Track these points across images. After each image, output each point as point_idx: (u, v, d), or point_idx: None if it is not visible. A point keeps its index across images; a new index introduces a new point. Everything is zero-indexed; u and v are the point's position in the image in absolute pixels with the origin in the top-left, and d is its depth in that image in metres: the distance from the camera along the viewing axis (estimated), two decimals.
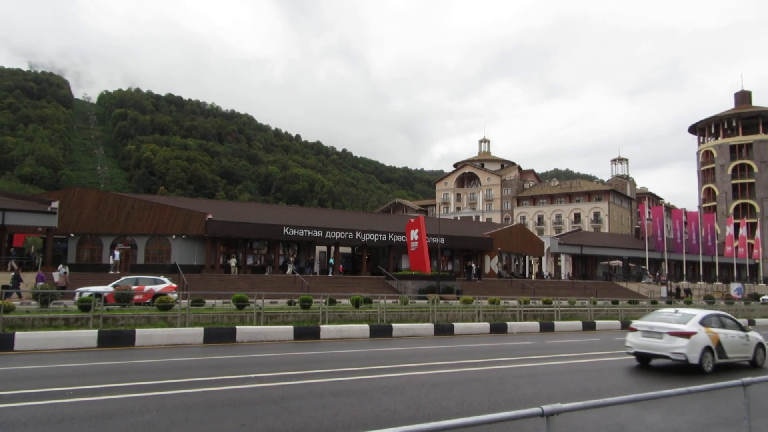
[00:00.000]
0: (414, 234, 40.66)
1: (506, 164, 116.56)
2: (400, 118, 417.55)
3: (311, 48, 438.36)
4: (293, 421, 7.33)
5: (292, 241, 42.86)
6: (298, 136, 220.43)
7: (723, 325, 13.50)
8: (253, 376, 10.64)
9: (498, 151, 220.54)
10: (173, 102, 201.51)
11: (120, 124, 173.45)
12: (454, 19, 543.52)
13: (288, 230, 40.16)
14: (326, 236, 41.93)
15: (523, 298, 29.43)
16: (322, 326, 18.79)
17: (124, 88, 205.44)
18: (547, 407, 2.81)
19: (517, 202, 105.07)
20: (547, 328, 24.26)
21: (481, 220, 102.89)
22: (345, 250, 48.97)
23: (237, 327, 17.37)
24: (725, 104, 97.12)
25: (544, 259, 67.18)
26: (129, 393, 8.83)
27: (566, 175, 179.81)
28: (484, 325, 22.78)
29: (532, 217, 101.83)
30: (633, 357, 13.82)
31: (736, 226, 72.02)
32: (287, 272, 39.92)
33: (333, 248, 45.93)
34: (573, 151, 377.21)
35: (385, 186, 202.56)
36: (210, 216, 38.15)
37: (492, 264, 52.37)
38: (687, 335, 12.48)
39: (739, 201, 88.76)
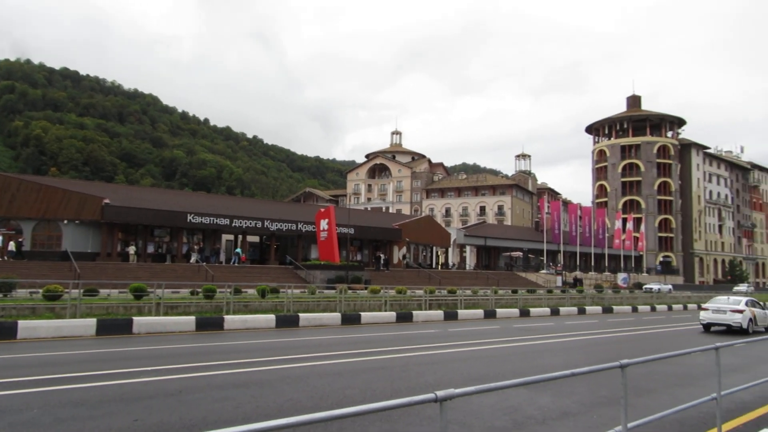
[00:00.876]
0: (324, 224, 40.48)
1: (417, 157, 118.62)
2: (314, 106, 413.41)
3: (223, 29, 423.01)
4: (190, 414, 7.08)
5: (197, 229, 41.34)
6: (206, 120, 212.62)
7: (755, 306, 21.99)
8: (149, 369, 10.16)
9: (409, 143, 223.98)
10: (69, 77, 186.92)
11: (6, 98, 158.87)
12: (370, 9, 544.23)
13: (193, 217, 38.66)
14: (233, 224, 40.80)
15: (429, 287, 30.14)
16: (226, 317, 18.29)
17: (12, 59, 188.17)
18: (440, 393, 2.86)
19: (426, 194, 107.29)
20: (450, 316, 25.00)
21: (391, 211, 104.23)
22: (253, 239, 47.91)
23: (134, 318, 16.52)
24: (619, 107, 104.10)
25: (450, 249, 69.17)
26: (8, 390, 8.15)
27: (473, 169, 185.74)
28: (391, 315, 23.12)
29: (440, 209, 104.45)
30: (699, 326, 22.43)
31: (624, 221, 77.61)
32: (191, 261, 38.50)
33: (240, 237, 44.81)
34: (481, 146, 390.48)
35: (296, 175, 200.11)
36: (107, 200, 35.95)
37: (400, 254, 53.23)
38: (741, 312, 20.99)
39: (628, 197, 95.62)
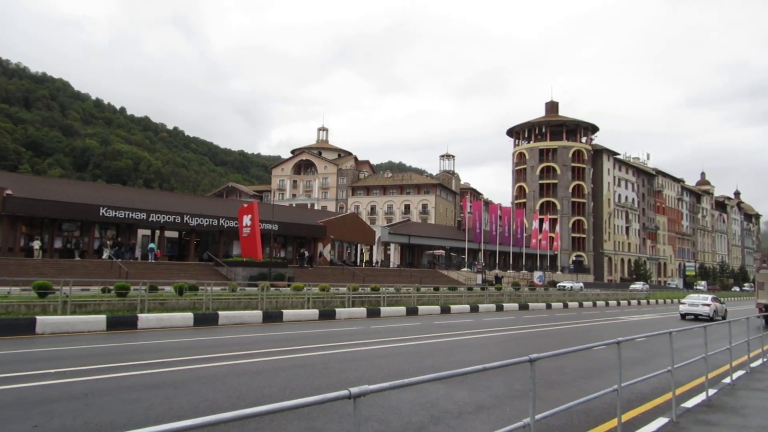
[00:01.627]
0: (247, 219, 39.63)
1: (343, 154, 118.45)
2: (238, 98, 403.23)
3: (141, 14, 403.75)
4: (97, 418, 6.73)
5: (111, 224, 39.34)
6: (123, 109, 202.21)
7: (717, 301, 30.81)
8: (52, 371, 9.57)
9: (336, 140, 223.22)
10: None
11: None
12: (298, 2, 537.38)
13: (106, 211, 36.75)
14: (151, 219, 39.15)
15: (353, 285, 30.22)
16: (140, 315, 17.52)
17: None
18: (354, 389, 2.86)
19: (351, 192, 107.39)
20: (373, 313, 25.15)
21: (316, 207, 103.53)
22: (172, 234, 46.14)
23: (37, 317, 15.51)
24: (538, 112, 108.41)
25: (375, 247, 69.61)
26: None
27: (399, 168, 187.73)
28: (314, 312, 22.97)
29: (366, 207, 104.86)
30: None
31: (541, 221, 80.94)
32: (103, 257, 36.60)
33: (158, 232, 43.08)
34: (407, 145, 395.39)
35: (218, 169, 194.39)
36: (9, 191, 33.53)
37: (325, 251, 52.99)
38: (708, 305, 29.36)
39: (545, 199, 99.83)
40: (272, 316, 21.09)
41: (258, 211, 40.15)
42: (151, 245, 41.18)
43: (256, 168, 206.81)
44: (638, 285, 73.14)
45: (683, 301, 31.86)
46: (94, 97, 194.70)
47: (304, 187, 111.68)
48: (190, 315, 18.63)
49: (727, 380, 10.59)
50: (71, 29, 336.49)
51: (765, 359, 13.79)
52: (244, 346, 13.72)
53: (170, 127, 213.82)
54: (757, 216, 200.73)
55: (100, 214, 36.63)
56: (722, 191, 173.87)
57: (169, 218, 39.96)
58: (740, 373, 11.59)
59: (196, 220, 41.46)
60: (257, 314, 20.75)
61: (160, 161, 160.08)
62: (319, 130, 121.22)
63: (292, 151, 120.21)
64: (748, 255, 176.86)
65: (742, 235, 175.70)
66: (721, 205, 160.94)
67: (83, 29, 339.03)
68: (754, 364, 12.76)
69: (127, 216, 37.99)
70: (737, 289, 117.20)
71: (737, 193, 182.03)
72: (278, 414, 6.95)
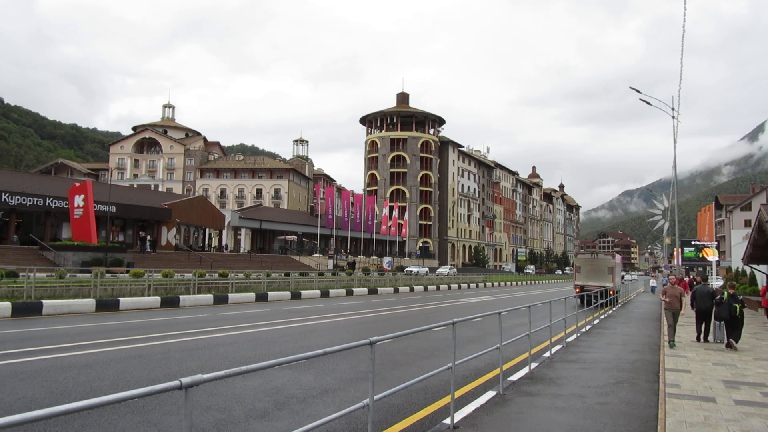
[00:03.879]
0: (79, 200, 36.12)
1: (191, 134, 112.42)
2: (70, 66, 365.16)
3: None
4: None
5: None
6: None
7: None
8: None
9: (184, 119, 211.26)
10: None
11: None
12: None
13: None
14: None
15: (200, 271, 28.98)
16: None
17: None
18: (186, 379, 2.73)
19: (200, 174, 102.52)
20: (221, 300, 24.38)
21: (160, 189, 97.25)
22: None
23: None
24: (390, 102, 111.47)
25: (224, 232, 67.23)
26: None
27: (252, 151, 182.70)
28: (155, 300, 21.69)
29: (215, 190, 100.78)
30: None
31: (391, 209, 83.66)
32: None
33: None
34: (260, 128, 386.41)
35: (46, 143, 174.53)
36: None
37: (170, 236, 50.09)
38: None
39: (395, 187, 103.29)
40: (107, 305, 19.57)
41: (92, 190, 36.76)
42: None
43: (91, 144, 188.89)
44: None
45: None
46: None
47: (147, 167, 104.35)
48: (7, 304, 16.65)
49: (547, 354, 11.82)
50: None
51: (579, 334, 15.60)
52: (72, 338, 12.56)
53: None
54: (578, 207, 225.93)
55: None
56: (549, 184, 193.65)
57: None
58: (558, 347, 12.99)
59: (17, 199, 36.91)
60: (89, 303, 19.12)
61: None
62: (165, 107, 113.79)
63: (134, 128, 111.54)
64: (569, 242, 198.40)
65: (564, 224, 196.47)
66: (548, 196, 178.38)
67: None
68: (569, 339, 14.38)
69: None
70: (560, 272, 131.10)
71: (561, 186, 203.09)
72: (108, 408, 6.47)
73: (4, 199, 36.17)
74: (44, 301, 17.84)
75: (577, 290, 28.70)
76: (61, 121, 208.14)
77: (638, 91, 32.06)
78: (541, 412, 7.19)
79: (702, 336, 14.51)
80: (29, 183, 43.36)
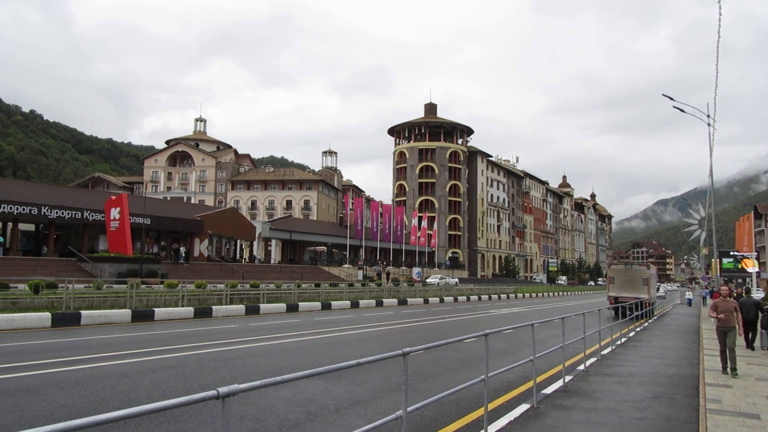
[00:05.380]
0: (115, 212, 37.02)
1: (222, 146, 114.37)
2: (106, 82, 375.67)
3: None
4: None
5: None
6: None
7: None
8: None
9: (215, 131, 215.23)
10: None
11: None
12: None
13: None
14: (1, 210, 35.26)
15: (231, 282, 29.35)
16: None
17: None
18: (222, 389, 2.77)
19: (231, 186, 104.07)
20: (252, 310, 24.61)
21: (193, 201, 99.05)
22: (27, 227, 41.93)
23: None
24: (419, 112, 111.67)
25: (255, 243, 68.00)
26: None
27: (281, 163, 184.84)
28: (188, 310, 22.02)
29: (246, 202, 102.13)
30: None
31: (420, 219, 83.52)
32: None
33: (11, 225, 38.93)
34: (289, 140, 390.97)
35: (83, 157, 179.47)
36: None
37: (202, 247, 50.90)
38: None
39: (424, 197, 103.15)
40: (142, 315, 19.94)
41: (128, 203, 37.66)
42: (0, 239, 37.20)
43: (126, 158, 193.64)
44: (539, 277, 76.79)
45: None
46: None
47: (180, 180, 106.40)
48: (47, 315, 17.10)
49: (582, 367, 11.61)
50: None
51: (613, 347, 15.29)
52: (109, 347, 12.83)
53: (26, 109, 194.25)
54: (610, 216, 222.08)
55: None
56: (580, 193, 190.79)
57: (23, 209, 36.25)
58: (593, 360, 12.75)
59: (57, 212, 38.00)
60: (125, 313, 19.51)
61: (14, 147, 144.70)
62: (197, 120, 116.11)
63: (167, 142, 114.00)
64: (602, 252, 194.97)
65: (596, 234, 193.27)
66: (579, 206, 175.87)
67: None
68: (604, 352, 14.10)
69: None
70: (592, 283, 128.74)
71: (593, 196, 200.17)
72: (145, 418, 6.58)
73: (44, 212, 37.27)
74: (82, 312, 18.27)
75: (611, 302, 28.16)
76: (98, 136, 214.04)
77: (671, 98, 31.47)
78: (576, 427, 7.06)
79: (748, 344, 14.89)
80: (68, 196, 44.61)
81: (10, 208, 35.66)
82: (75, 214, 39.06)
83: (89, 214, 39.65)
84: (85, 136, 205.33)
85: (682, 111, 31.71)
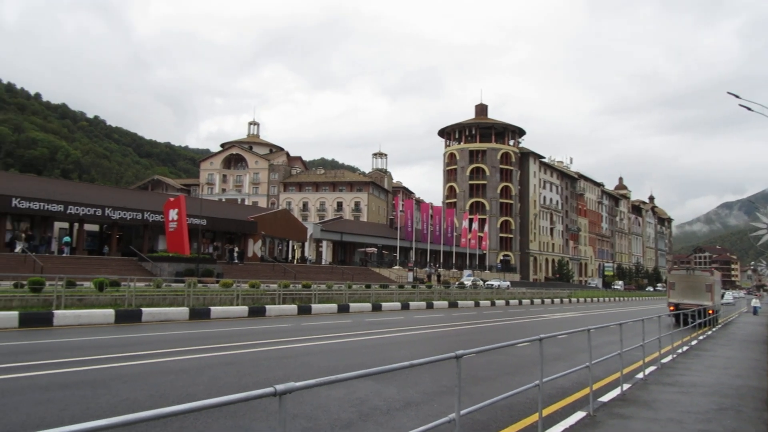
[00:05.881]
0: (173, 214, 38.31)
1: (275, 149, 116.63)
2: (164, 89, 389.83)
3: None
4: (6, 419, 6.32)
5: (25, 215, 36.99)
6: (38, 95, 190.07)
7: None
8: None
9: (268, 134, 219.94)
10: None
11: None
12: None
13: (19, 202, 34.50)
14: (68, 211, 37.08)
15: (284, 282, 29.84)
16: (56, 311, 16.61)
17: None
18: (280, 386, 2.83)
19: (283, 188, 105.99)
20: (304, 310, 24.97)
21: (246, 203, 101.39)
22: (92, 228, 43.94)
23: None
24: (469, 113, 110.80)
25: (306, 244, 68.99)
26: None
27: (332, 165, 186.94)
28: (243, 309, 22.54)
29: (298, 203, 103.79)
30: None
31: (471, 221, 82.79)
32: (15, 250, 34.37)
33: (77, 225, 40.88)
34: (340, 142, 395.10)
35: (143, 161, 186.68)
36: None
37: (255, 248, 52.03)
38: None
39: (474, 199, 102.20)
40: (199, 313, 20.54)
41: (185, 205, 38.90)
42: (66, 238, 39.07)
43: (183, 161, 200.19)
44: (594, 282, 75.22)
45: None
46: (5, 81, 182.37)
47: (234, 182, 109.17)
48: (111, 312, 17.85)
49: (641, 375, 11.22)
50: None
51: (674, 355, 14.71)
52: (169, 344, 13.28)
53: (90, 115, 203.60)
54: (669, 220, 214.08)
55: (13, 205, 34.35)
56: (638, 196, 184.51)
57: (88, 211, 38.00)
58: (652, 368, 12.30)
59: (119, 213, 39.67)
60: (183, 311, 20.15)
61: (80, 151, 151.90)
62: (250, 124, 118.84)
63: (222, 145, 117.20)
64: (661, 257, 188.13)
65: (655, 238, 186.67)
66: (636, 208, 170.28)
67: None
68: (664, 360, 13.59)
69: (42, 208, 35.82)
70: (651, 288, 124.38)
71: (651, 198, 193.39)
72: (203, 412, 6.77)
73: (107, 213, 38.95)
74: (143, 309, 18.99)
75: (672, 308, 27.11)
76: (157, 140, 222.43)
77: (737, 96, 30.04)
78: None
79: None
80: (129, 198, 46.48)
81: (77, 210, 37.42)
82: (136, 215, 40.66)
83: (149, 215, 41.19)
84: (145, 140, 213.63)
85: (749, 109, 30.23)
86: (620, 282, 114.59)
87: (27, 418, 6.41)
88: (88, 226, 41.70)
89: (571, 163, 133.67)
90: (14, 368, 9.39)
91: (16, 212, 35.49)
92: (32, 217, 37.73)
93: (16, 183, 41.33)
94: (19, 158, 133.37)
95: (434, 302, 35.08)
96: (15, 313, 15.80)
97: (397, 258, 70.10)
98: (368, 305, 29.22)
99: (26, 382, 8.36)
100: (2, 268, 28.51)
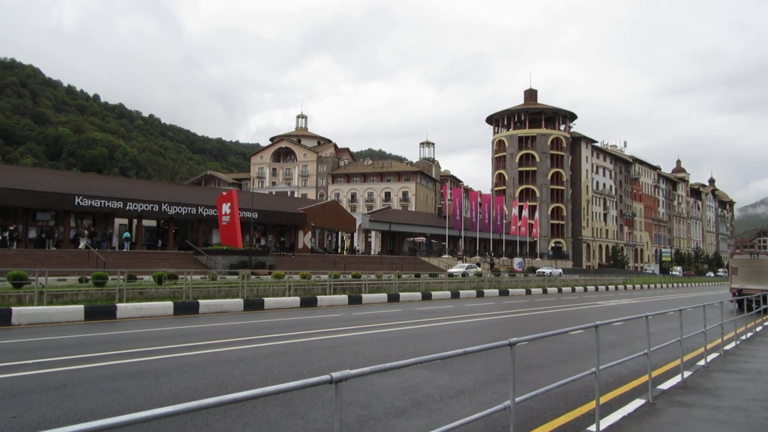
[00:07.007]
0: (226, 208, 39.32)
1: (323, 141, 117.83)
2: (214, 85, 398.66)
3: None
4: (77, 407, 6.66)
5: (87, 213, 38.73)
6: (96, 96, 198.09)
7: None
8: (30, 362, 9.44)
9: (316, 127, 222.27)
10: None
11: None
12: None
13: (81, 200, 36.14)
14: (128, 208, 38.62)
15: (334, 272, 30.21)
16: (118, 305, 17.34)
17: None
18: (335, 374, 2.88)
19: (332, 179, 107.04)
20: (355, 300, 25.21)
21: (296, 195, 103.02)
22: (150, 223, 45.64)
23: (13, 308, 15.25)
24: (518, 99, 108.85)
25: (355, 235, 69.58)
26: None
27: (379, 155, 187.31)
28: (295, 300, 22.95)
29: (346, 194, 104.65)
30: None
31: (520, 208, 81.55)
32: (79, 247, 36.05)
33: (135, 221, 42.51)
34: (386, 133, 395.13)
35: (196, 157, 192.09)
36: None
37: (305, 239, 52.85)
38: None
39: (524, 186, 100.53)
40: (253, 304, 21.03)
41: (237, 199, 39.85)
42: (126, 234, 40.65)
43: (234, 156, 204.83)
44: (650, 268, 73.07)
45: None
46: (65, 84, 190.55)
47: (284, 175, 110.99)
48: (170, 304, 18.49)
49: (702, 363, 10.83)
50: (36, 13, 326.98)
51: (738, 342, 14.13)
52: (225, 335, 13.67)
53: (146, 114, 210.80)
54: (731, 203, 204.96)
55: (76, 203, 36.02)
56: (697, 179, 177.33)
57: (146, 207, 39.46)
58: (714, 355, 11.86)
59: (175, 209, 41.01)
60: (238, 302, 20.67)
61: (136, 149, 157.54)
62: (298, 117, 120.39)
63: (271, 139, 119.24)
64: (723, 241, 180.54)
65: (716, 222, 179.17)
66: (696, 192, 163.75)
67: (49, 14, 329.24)
68: (727, 347, 13.06)
69: (103, 205, 37.41)
70: (712, 274, 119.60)
71: (712, 181, 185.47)
72: (260, 400, 6.95)
73: (164, 209, 40.31)
74: (200, 301, 19.59)
75: (734, 294, 26.03)
76: (209, 136, 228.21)
77: None
78: (698, 425, 6.62)
79: None
80: (184, 194, 47.95)
81: (136, 206, 38.89)
82: (191, 210, 41.93)
83: (203, 210, 42.41)
84: (198, 136, 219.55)
85: None
86: (678, 268, 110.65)
87: (96, 407, 6.73)
88: (146, 222, 43.30)
89: (625, 146, 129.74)
90: (82, 359, 9.88)
91: (79, 210, 37.17)
92: (94, 215, 39.45)
93: (78, 182, 43.28)
94: (80, 158, 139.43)
95: (485, 290, 34.80)
96: (81, 307, 16.58)
97: (446, 247, 69.82)
98: (418, 294, 29.25)
99: (94, 373, 8.77)
100: (67, 264, 29.98)
